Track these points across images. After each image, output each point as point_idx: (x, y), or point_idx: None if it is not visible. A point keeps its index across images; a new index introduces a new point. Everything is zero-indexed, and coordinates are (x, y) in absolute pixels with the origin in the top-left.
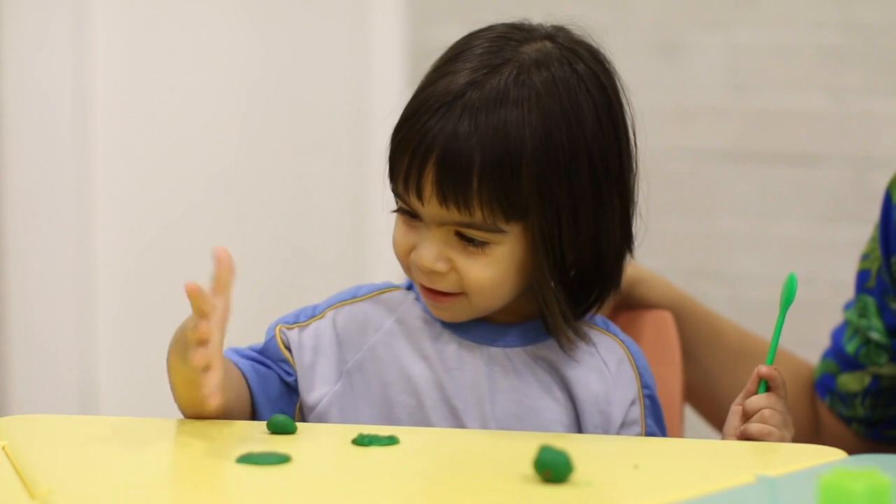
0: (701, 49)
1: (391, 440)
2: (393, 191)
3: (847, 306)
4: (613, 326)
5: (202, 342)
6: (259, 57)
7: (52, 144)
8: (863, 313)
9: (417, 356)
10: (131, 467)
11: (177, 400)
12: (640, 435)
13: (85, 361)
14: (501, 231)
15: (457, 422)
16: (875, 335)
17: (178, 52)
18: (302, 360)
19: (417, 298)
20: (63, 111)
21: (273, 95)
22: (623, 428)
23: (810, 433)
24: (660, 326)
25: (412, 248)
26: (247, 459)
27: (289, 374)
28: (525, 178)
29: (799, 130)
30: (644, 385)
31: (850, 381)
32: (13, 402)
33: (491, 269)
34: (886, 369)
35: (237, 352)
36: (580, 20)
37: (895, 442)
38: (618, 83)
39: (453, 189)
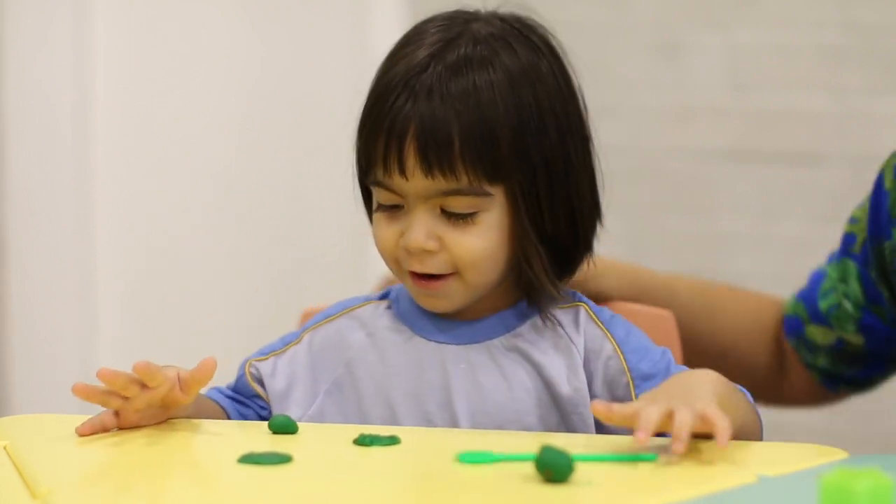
0: (701, 49)
1: (392, 440)
2: (370, 183)
3: (830, 259)
4: (579, 295)
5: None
6: (259, 57)
7: (53, 144)
8: (843, 277)
9: (388, 367)
10: (132, 467)
11: None
12: (629, 384)
13: (86, 361)
14: (487, 194)
15: (429, 425)
16: (848, 304)
17: (178, 52)
18: (274, 388)
19: (389, 307)
20: (63, 111)
21: (273, 95)
22: (608, 387)
23: (775, 368)
24: (660, 326)
25: (398, 239)
26: (248, 459)
27: (263, 408)
28: (501, 138)
29: (799, 130)
30: (615, 337)
31: (818, 334)
32: (14, 401)
33: (482, 240)
34: (851, 337)
35: (220, 392)
36: (583, 20)
37: (845, 394)
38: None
39: (436, 156)
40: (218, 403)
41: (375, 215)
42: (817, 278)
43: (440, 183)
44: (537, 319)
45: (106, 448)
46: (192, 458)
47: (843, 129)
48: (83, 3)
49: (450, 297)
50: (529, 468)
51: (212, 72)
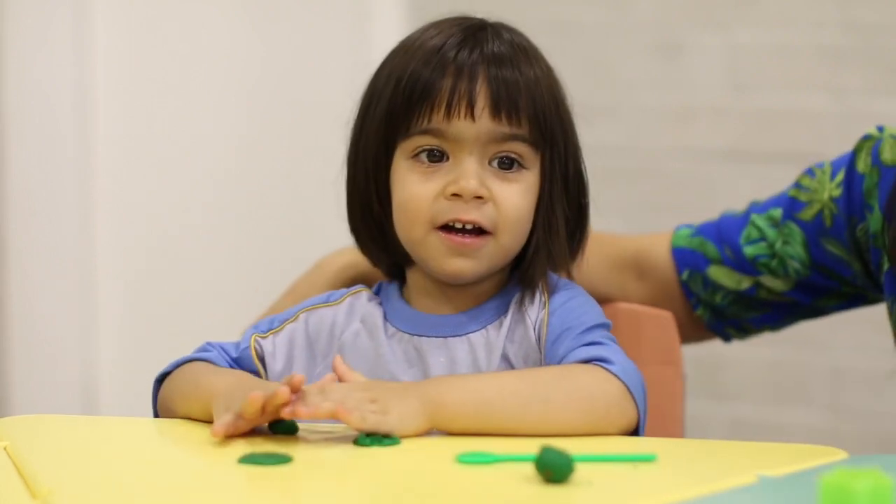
0: (701, 49)
1: (392, 440)
2: (417, 133)
3: (755, 209)
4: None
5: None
6: (259, 57)
7: (53, 144)
8: (787, 240)
9: (378, 357)
10: (133, 468)
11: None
12: (542, 339)
13: (86, 362)
14: (538, 149)
15: None
16: (795, 264)
17: (178, 52)
18: (275, 369)
19: (380, 303)
20: (63, 111)
21: (273, 95)
22: (546, 351)
23: (632, 296)
24: (660, 326)
25: (440, 191)
26: (248, 459)
27: None
28: (547, 103)
29: (799, 130)
30: (549, 305)
31: (726, 277)
32: (14, 402)
33: (524, 198)
34: (779, 285)
35: (225, 349)
36: (583, 20)
37: (727, 338)
38: None
39: (507, 99)
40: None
41: (407, 175)
42: (735, 223)
43: (504, 127)
44: (512, 307)
45: (106, 448)
46: (193, 458)
47: (843, 129)
48: (83, 3)
49: (479, 258)
50: (529, 468)
51: (212, 72)
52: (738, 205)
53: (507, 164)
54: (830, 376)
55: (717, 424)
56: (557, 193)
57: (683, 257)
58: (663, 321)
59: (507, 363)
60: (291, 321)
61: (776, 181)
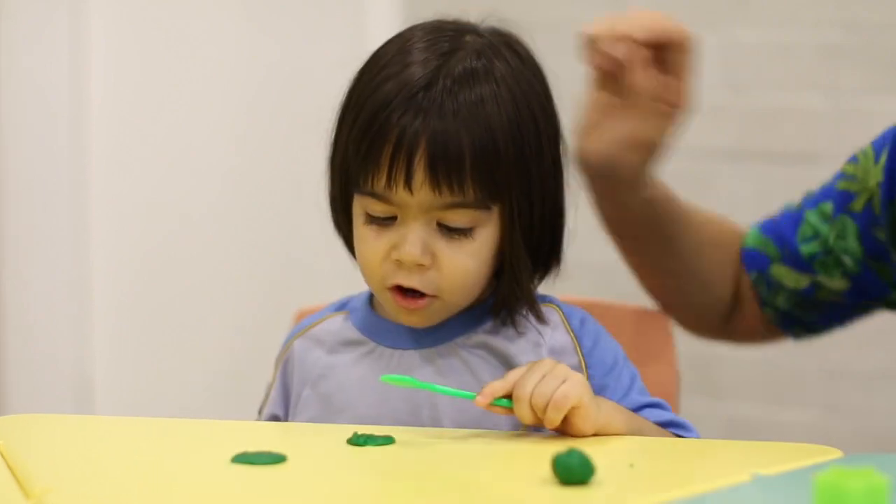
0: (699, 48)
1: (387, 440)
2: (363, 194)
3: (808, 204)
4: (549, 297)
5: None
6: (259, 57)
7: (49, 144)
8: (841, 234)
9: (353, 382)
10: (127, 467)
11: None
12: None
13: (81, 361)
14: (488, 209)
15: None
16: (848, 259)
17: (176, 51)
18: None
19: (354, 322)
20: (60, 111)
21: (270, 96)
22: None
23: (730, 301)
24: (654, 325)
25: (387, 253)
26: (242, 459)
27: None
28: (504, 153)
29: (798, 130)
30: (582, 348)
31: (786, 276)
32: (9, 401)
33: (474, 259)
34: (836, 284)
35: None
36: (582, 20)
37: (798, 337)
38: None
39: (446, 171)
40: None
41: (361, 228)
42: (792, 219)
43: (446, 197)
44: (503, 315)
45: (100, 448)
46: (186, 458)
47: (842, 128)
48: (80, 3)
49: (430, 315)
50: (525, 467)
51: (211, 72)
52: (737, 204)
53: (452, 228)
54: (825, 375)
55: (712, 423)
56: (523, 228)
57: (752, 259)
58: (657, 319)
59: (508, 367)
60: (276, 377)
61: (776, 181)
